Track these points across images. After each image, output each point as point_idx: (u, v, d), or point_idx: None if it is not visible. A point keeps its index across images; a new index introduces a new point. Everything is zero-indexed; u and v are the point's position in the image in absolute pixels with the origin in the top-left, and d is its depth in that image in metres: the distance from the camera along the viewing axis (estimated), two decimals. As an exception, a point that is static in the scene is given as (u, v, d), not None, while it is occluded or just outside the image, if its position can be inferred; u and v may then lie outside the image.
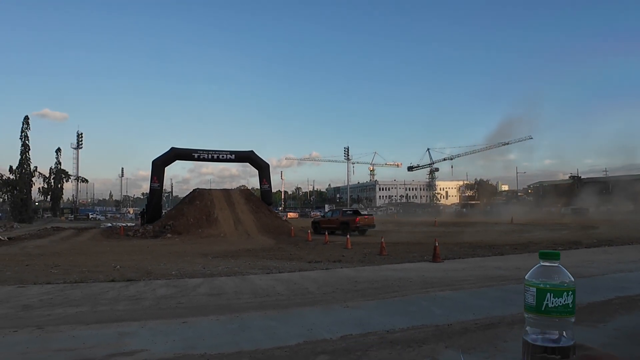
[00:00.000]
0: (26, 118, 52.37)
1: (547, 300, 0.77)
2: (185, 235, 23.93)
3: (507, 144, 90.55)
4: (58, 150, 65.63)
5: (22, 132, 51.93)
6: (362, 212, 27.37)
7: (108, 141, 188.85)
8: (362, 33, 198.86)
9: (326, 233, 20.70)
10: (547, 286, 0.78)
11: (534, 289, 0.79)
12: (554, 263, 0.82)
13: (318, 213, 62.36)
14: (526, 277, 0.82)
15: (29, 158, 52.72)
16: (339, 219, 25.27)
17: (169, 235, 24.18)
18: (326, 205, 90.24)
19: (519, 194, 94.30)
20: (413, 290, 6.78)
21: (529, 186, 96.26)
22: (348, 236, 17.49)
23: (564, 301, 0.78)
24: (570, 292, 0.78)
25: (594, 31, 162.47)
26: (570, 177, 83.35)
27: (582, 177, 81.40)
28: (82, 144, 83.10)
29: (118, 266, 10.79)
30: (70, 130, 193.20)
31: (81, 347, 3.73)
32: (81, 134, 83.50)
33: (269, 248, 17.18)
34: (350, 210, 27.81)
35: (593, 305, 5.50)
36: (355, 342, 3.89)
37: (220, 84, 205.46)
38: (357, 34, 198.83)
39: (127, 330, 4.37)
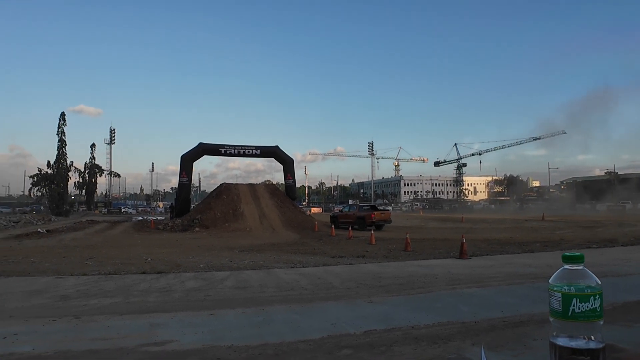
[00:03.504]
0: (62, 114, 54.58)
1: (574, 306, 0.75)
2: (212, 229, 24.44)
3: (539, 138, 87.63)
4: (92, 146, 68.26)
5: (58, 128, 54.12)
6: (379, 208, 27.71)
7: (139, 137, 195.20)
8: (388, 27, 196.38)
9: (350, 228, 20.78)
10: (573, 290, 0.76)
11: (559, 294, 0.77)
12: (579, 266, 0.79)
13: (341, 208, 62.44)
14: (550, 281, 0.79)
15: (66, 153, 54.90)
16: (356, 213, 25.88)
17: (197, 228, 24.76)
18: (350, 200, 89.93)
19: (550, 189, 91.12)
20: (439, 287, 6.69)
21: (561, 182, 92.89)
22: (372, 231, 17.41)
23: (591, 305, 0.74)
24: (597, 296, 0.75)
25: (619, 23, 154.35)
26: (606, 173, 79.82)
27: (619, 172, 77.86)
28: (114, 139, 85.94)
29: (149, 259, 11.14)
30: (104, 125, 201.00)
31: (115, 337, 3.89)
32: (114, 129, 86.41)
33: (293, 242, 17.33)
34: (367, 206, 28.75)
35: (629, 305, 5.27)
36: (379, 337, 3.88)
37: (246, 79, 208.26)
38: (382, 28, 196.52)
39: (158, 321, 4.51)
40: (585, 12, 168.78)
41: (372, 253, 12.45)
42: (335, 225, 26.03)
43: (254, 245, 15.97)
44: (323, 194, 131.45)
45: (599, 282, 0.77)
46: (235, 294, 6.23)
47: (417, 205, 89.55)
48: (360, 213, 25.55)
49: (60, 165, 54.26)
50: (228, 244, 16.27)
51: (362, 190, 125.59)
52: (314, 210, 69.22)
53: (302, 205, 62.81)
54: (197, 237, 20.63)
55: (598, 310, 0.76)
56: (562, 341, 0.77)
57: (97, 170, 68.81)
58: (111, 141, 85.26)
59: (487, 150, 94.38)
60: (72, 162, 57.73)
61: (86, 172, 66.54)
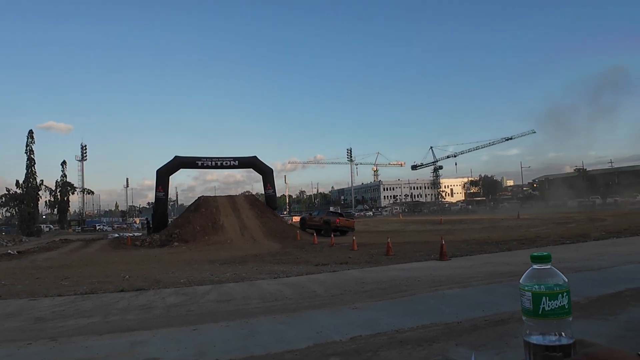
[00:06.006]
0: (30, 132, 53.02)
1: (543, 304, 0.79)
2: (192, 243, 24.00)
3: (510, 139, 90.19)
4: (63, 163, 66.27)
5: (27, 146, 52.53)
6: (344, 214, 29.79)
7: (112, 152, 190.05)
8: (361, 35, 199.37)
9: (332, 235, 21.03)
10: (542, 289, 0.80)
11: (530, 294, 0.81)
12: (546, 265, 0.84)
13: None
14: (520, 281, 0.84)
15: (35, 172, 53.27)
16: (323, 218, 27.89)
17: (176, 243, 24.27)
18: (331, 207, 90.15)
19: (524, 188, 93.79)
20: (421, 289, 6.77)
21: (534, 180, 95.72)
22: (354, 238, 17.50)
23: (560, 303, 0.80)
24: (565, 294, 0.80)
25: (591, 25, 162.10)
26: (575, 169, 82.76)
27: (588, 169, 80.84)
28: (86, 156, 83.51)
29: (127, 276, 10.85)
30: (76, 142, 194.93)
31: (94, 358, 3.77)
32: (85, 146, 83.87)
33: (275, 252, 17.21)
34: (335, 212, 31.81)
35: (604, 298, 5.47)
36: (365, 342, 3.90)
37: (222, 90, 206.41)
38: (356, 37, 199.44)
39: (139, 339, 4.40)
40: (548, 16, 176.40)
41: (354, 259, 12.49)
42: (303, 228, 28.18)
43: (236, 257, 15.78)
44: (304, 203, 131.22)
45: (566, 280, 0.81)
46: (218, 307, 6.14)
47: (397, 209, 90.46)
48: (327, 218, 27.53)
49: (30, 184, 52.55)
50: (209, 257, 16.01)
51: (342, 197, 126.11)
52: (296, 219, 68.84)
53: (283, 214, 62.57)
54: (177, 252, 20.23)
55: (566, 307, 0.80)
56: (535, 339, 0.80)
57: (69, 188, 66.74)
58: (83, 158, 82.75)
59: (462, 152, 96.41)
60: (42, 180, 56.01)
61: (57, 190, 64.43)
